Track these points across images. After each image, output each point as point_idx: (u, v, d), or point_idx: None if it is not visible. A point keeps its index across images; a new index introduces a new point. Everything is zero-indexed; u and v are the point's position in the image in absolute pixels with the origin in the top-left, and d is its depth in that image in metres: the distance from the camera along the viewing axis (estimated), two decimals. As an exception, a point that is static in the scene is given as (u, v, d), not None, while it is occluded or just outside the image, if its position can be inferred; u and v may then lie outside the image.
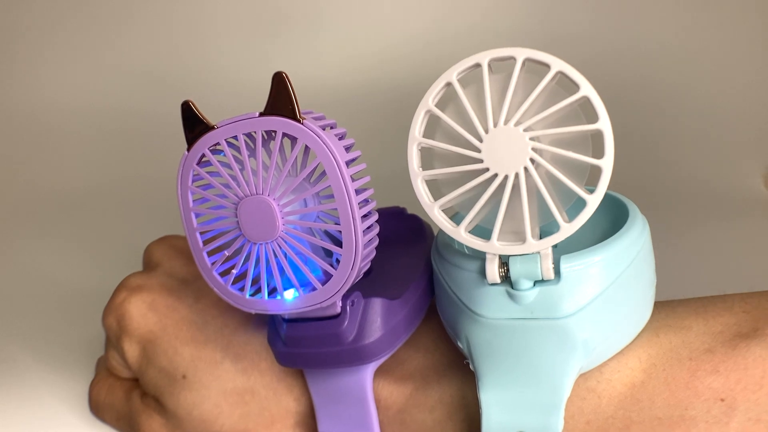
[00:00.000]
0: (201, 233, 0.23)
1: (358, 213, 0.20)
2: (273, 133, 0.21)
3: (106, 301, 0.31)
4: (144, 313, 0.29)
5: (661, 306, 0.24)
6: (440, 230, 0.24)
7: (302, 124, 0.20)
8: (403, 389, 0.25)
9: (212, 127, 0.22)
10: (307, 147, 0.21)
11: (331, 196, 0.21)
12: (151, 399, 0.29)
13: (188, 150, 0.23)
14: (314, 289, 0.22)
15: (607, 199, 0.24)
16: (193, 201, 0.23)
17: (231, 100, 0.58)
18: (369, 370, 0.24)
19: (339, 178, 0.20)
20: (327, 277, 0.22)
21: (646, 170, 0.56)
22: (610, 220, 0.24)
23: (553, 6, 0.65)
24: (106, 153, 0.65)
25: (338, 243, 0.21)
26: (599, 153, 0.19)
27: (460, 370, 0.25)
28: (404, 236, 0.28)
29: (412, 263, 0.26)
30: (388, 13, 0.66)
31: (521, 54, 0.20)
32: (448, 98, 0.21)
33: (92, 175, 0.63)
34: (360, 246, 0.21)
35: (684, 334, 0.23)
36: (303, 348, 0.23)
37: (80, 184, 0.62)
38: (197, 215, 0.23)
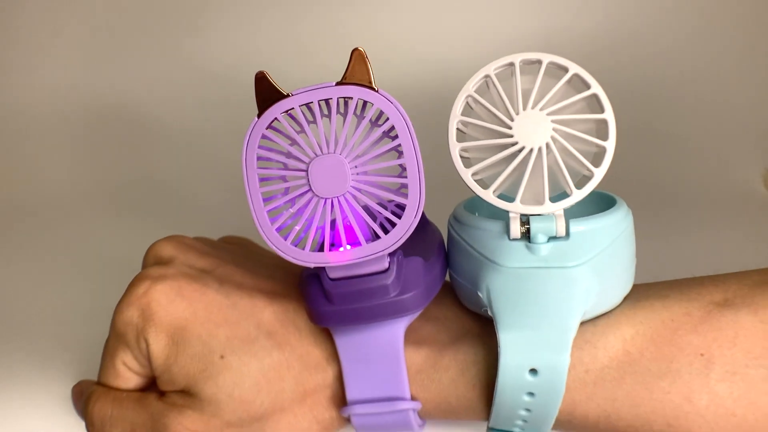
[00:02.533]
0: (263, 194, 0.25)
1: (422, 167, 0.24)
2: (347, 102, 0.25)
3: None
4: (172, 299, 0.29)
5: (641, 285, 0.28)
6: (458, 205, 0.29)
7: (377, 91, 0.24)
8: (419, 352, 0.28)
9: (287, 95, 0.25)
10: (374, 113, 0.24)
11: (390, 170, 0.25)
12: (176, 395, 0.29)
13: (258, 116, 0.26)
14: (377, 239, 0.25)
15: (599, 196, 0.29)
16: (258, 164, 0.25)
17: (228, 98, 0.59)
18: (402, 326, 0.27)
19: (408, 137, 0.24)
20: (385, 232, 0.25)
21: (646, 170, 0.56)
22: (601, 211, 0.29)
23: (555, 8, 0.65)
24: (101, 155, 0.65)
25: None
26: (604, 139, 0.24)
27: (467, 337, 0.28)
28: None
29: (427, 243, 0.30)
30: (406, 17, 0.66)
31: (546, 58, 0.25)
32: (482, 91, 0.26)
33: (89, 179, 0.63)
34: (423, 194, 0.24)
35: (663, 300, 0.27)
36: (352, 303, 0.26)
37: (77, 187, 0.62)
38: (261, 180, 0.25)
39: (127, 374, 0.30)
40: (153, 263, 0.32)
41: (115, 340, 0.30)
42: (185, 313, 0.28)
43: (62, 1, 0.67)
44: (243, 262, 0.33)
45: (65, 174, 0.64)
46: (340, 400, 0.29)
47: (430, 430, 0.31)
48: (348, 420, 0.29)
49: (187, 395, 0.28)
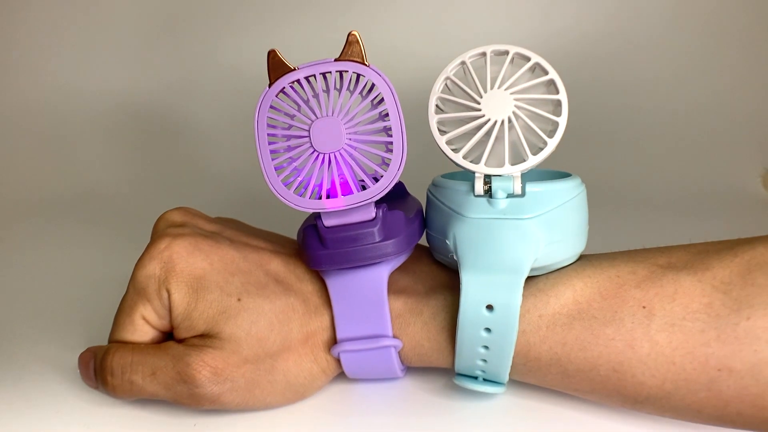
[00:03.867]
0: (271, 151, 0.30)
1: (405, 130, 0.29)
2: (343, 74, 0.30)
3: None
4: (191, 251, 0.32)
5: (595, 254, 0.32)
6: (437, 176, 0.33)
7: (369, 67, 0.29)
8: (399, 299, 0.32)
9: (293, 69, 0.30)
10: (366, 84, 0.29)
11: (378, 131, 0.29)
12: (195, 339, 0.31)
13: (269, 86, 0.31)
14: (364, 188, 0.29)
15: (559, 174, 0.34)
16: (268, 126, 0.30)
17: (229, 90, 0.62)
18: (386, 270, 0.31)
19: (394, 103, 0.29)
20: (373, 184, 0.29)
21: (646, 170, 0.57)
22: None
23: (560, 8, 0.67)
24: (106, 154, 0.67)
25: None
26: (558, 116, 0.29)
27: (440, 289, 0.32)
28: (395, 194, 0.37)
29: (408, 207, 0.34)
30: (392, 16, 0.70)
31: (513, 49, 0.30)
32: (459, 76, 0.31)
33: (84, 178, 0.66)
34: (405, 151, 0.29)
35: (611, 261, 0.31)
36: (343, 247, 0.30)
37: (79, 186, 0.66)
38: (270, 141, 0.30)
39: (145, 328, 0.32)
40: (166, 228, 0.35)
41: (134, 294, 0.32)
42: (203, 264, 0.32)
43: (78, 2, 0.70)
44: (242, 230, 0.37)
45: (101, 170, 0.68)
46: (334, 344, 0.33)
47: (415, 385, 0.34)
48: (338, 362, 0.33)
49: (207, 337, 0.31)
